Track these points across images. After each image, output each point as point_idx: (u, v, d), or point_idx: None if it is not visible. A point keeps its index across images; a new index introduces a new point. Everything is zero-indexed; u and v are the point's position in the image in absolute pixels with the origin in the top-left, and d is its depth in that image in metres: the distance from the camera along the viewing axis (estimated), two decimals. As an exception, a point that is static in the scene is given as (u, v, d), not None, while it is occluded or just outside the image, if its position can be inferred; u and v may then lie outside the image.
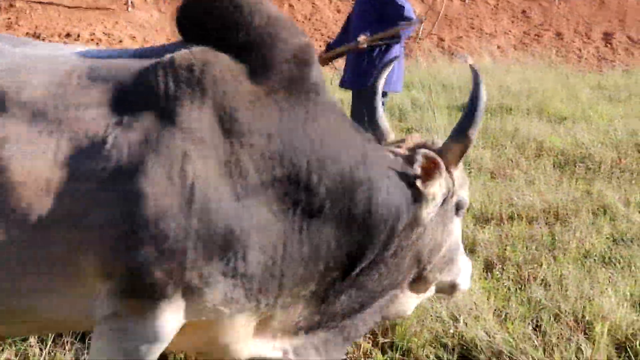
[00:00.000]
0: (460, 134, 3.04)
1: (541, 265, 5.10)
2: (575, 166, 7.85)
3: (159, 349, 2.68)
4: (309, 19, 18.61)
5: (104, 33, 15.91)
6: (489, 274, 5.03)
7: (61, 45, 3.06)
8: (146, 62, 2.71)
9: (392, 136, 3.36)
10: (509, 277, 4.96)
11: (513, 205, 6.27)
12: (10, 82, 2.56)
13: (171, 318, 2.62)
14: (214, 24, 2.79)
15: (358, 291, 3.01)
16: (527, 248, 5.43)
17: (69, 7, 17.06)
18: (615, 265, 5.12)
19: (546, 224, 5.98)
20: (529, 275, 4.94)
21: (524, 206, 6.24)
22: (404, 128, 9.35)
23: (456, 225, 3.28)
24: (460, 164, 3.20)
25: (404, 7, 6.54)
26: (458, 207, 3.24)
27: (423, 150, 2.97)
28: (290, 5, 19.14)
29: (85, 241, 2.48)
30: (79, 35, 15.54)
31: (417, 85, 12.38)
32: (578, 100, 11.80)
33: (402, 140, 3.26)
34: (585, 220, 6.00)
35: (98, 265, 2.51)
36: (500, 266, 5.11)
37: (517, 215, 6.10)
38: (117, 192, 2.47)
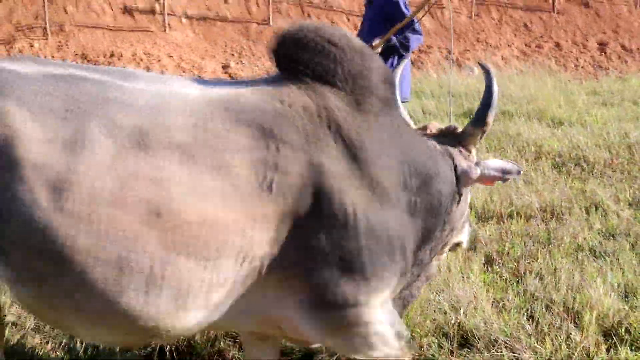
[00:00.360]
0: (480, 119, 3.14)
1: (537, 259, 5.08)
2: (571, 167, 7.79)
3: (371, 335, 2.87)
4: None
5: (144, 52, 16.04)
6: (489, 268, 5.01)
7: (163, 77, 2.98)
8: (277, 105, 2.70)
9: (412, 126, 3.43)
10: (507, 270, 4.94)
11: (512, 205, 6.24)
12: (155, 123, 2.49)
13: (370, 314, 2.79)
14: (311, 59, 2.81)
15: (418, 266, 3.15)
16: (525, 244, 5.40)
17: (112, 30, 17.20)
18: (604, 258, 5.08)
19: (543, 221, 5.95)
20: (525, 269, 4.91)
21: (522, 205, 6.20)
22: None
23: (470, 195, 3.43)
24: None
25: (413, 20, 6.54)
26: None
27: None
28: (312, 24, 19.18)
29: (266, 271, 2.60)
30: (122, 55, 15.67)
31: (428, 94, 12.37)
32: (575, 106, 11.70)
33: (425, 128, 3.34)
34: (578, 217, 5.97)
35: (284, 289, 2.68)
36: (500, 261, 5.09)
37: (516, 213, 6.07)
38: (288, 230, 2.57)
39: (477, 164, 3.13)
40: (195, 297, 2.52)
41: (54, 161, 2.33)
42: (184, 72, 15.02)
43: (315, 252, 2.61)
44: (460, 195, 3.12)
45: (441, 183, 2.98)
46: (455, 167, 3.08)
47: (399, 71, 3.73)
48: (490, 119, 3.12)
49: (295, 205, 2.56)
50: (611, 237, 5.56)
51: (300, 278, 2.65)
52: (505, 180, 3.16)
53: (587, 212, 6.17)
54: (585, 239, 5.47)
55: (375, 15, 6.77)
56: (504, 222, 5.90)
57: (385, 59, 6.68)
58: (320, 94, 2.77)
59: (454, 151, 3.14)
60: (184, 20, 18.31)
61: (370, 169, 2.73)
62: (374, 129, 2.82)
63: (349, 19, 19.27)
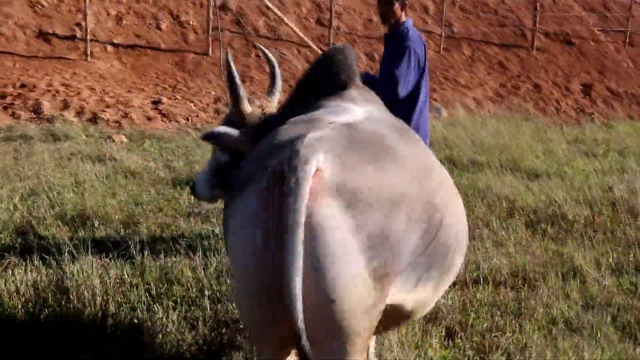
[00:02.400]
0: (274, 92, 5.03)
1: (505, 333, 5.08)
2: (548, 225, 7.86)
3: None
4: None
5: (61, 84, 15.89)
6: (450, 342, 5.00)
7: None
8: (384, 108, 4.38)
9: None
10: (471, 345, 4.94)
11: (479, 269, 6.26)
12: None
13: None
14: (355, 70, 4.31)
15: None
16: (491, 315, 5.41)
17: (24, 57, 17.04)
18: (581, 332, 5.11)
19: (512, 288, 5.98)
20: (492, 344, 4.92)
21: (490, 269, 6.23)
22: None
23: None
24: None
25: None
26: None
27: None
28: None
29: None
30: (35, 86, 15.51)
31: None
32: (554, 156, 11.90)
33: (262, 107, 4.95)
34: (554, 284, 6.00)
35: None
36: (463, 334, 5.09)
37: (483, 279, 6.09)
38: None
39: None
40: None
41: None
42: (107, 107, 14.88)
43: None
44: None
45: None
46: None
47: None
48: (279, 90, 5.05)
49: None
50: (590, 309, 5.60)
51: None
52: None
53: (564, 279, 6.22)
54: (561, 310, 5.51)
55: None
56: (468, 289, 5.91)
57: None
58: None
59: None
60: (109, 48, 18.24)
61: None
62: None
63: (299, 51, 19.41)
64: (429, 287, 3.23)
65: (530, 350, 4.72)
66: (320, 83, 4.30)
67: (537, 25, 22.75)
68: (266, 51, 5.45)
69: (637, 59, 23.17)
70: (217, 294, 5.63)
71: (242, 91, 4.67)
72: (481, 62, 21.36)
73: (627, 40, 23.97)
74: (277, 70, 5.15)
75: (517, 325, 5.25)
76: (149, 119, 14.65)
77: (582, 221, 7.95)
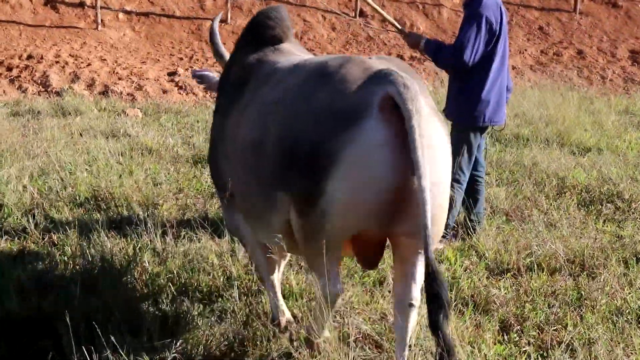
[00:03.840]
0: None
1: (566, 326, 4.94)
2: (603, 205, 7.68)
3: None
4: (301, 38, 18.55)
5: (70, 55, 15.84)
6: (505, 336, 4.88)
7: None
8: None
9: None
10: (529, 341, 4.83)
11: (532, 254, 6.09)
12: None
13: None
14: (281, 29, 5.06)
15: None
16: (549, 306, 5.27)
17: (31, 26, 16.99)
18: (651, 325, 4.95)
19: (570, 275, 5.81)
20: (552, 339, 4.78)
21: (544, 255, 6.05)
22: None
23: None
24: None
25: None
26: None
27: None
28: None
29: None
30: (42, 57, 15.45)
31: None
32: (603, 128, 11.69)
33: None
34: (615, 271, 5.83)
35: None
36: (519, 327, 4.98)
37: (537, 265, 5.92)
38: None
39: None
40: None
41: None
42: (120, 79, 14.81)
43: None
44: None
45: None
46: None
47: None
48: None
49: None
50: (658, 298, 5.44)
51: None
52: None
53: (626, 265, 6.05)
54: (625, 300, 5.34)
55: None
56: (522, 277, 5.78)
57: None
58: None
59: None
60: (121, 15, 18.17)
61: None
62: None
63: (324, 18, 19.23)
64: None
65: (597, 345, 4.54)
66: (259, 37, 5.06)
67: (580, -14, 22.38)
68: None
69: (689, 22, 22.76)
70: (247, 283, 5.51)
71: (221, 46, 5.85)
72: (520, 27, 21.11)
73: (678, 2, 23.52)
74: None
75: (577, 317, 5.10)
76: (165, 91, 14.59)
77: (641, 200, 7.76)
